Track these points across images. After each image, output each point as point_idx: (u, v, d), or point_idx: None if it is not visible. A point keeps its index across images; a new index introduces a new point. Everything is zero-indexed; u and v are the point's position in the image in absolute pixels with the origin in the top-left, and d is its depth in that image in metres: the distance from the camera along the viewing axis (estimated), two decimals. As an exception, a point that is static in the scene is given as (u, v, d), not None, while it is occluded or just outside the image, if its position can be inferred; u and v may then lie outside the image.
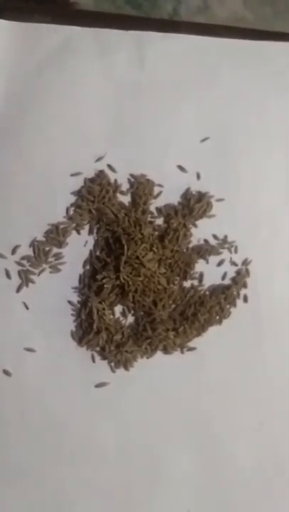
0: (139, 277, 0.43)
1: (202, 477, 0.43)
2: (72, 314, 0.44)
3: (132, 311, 0.44)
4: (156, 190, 0.46)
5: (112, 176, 0.46)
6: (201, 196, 0.46)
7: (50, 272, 0.44)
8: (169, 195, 0.46)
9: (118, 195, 0.46)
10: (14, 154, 0.45)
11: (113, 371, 0.43)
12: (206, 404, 0.43)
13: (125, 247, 0.43)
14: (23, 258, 0.44)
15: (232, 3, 0.58)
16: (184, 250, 0.45)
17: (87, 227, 0.45)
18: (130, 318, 0.45)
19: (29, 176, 0.45)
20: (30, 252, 0.45)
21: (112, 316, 0.44)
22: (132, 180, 0.46)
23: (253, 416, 0.43)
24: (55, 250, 0.45)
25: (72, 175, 0.45)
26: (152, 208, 0.46)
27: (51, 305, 0.44)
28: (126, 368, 0.43)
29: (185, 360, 0.44)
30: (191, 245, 0.45)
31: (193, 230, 0.45)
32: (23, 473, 0.42)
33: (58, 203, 0.45)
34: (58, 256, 0.45)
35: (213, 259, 0.45)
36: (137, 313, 0.44)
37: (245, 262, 0.45)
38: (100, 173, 0.45)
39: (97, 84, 0.46)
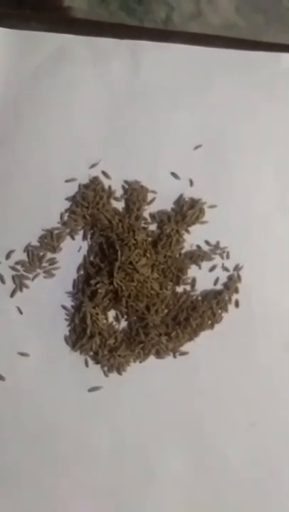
0: (132, 282, 0.44)
1: (195, 478, 0.43)
2: (65, 319, 0.44)
3: (125, 316, 0.45)
4: (149, 196, 0.46)
5: (106, 182, 0.46)
6: (194, 203, 0.46)
7: (44, 277, 0.45)
8: (162, 201, 0.46)
9: (112, 201, 0.46)
10: (9, 160, 0.45)
11: (106, 375, 0.44)
12: (198, 408, 0.44)
13: (119, 252, 0.43)
14: (17, 263, 0.45)
15: (225, 10, 0.59)
16: (177, 256, 0.46)
17: (81, 232, 0.46)
18: (123, 323, 0.45)
19: (24, 182, 0.45)
20: (24, 257, 0.45)
21: (105, 321, 0.44)
22: (126, 186, 0.46)
23: (244, 418, 0.44)
24: (49, 255, 0.45)
25: (66, 181, 0.46)
26: (146, 214, 0.46)
27: (45, 310, 0.44)
28: (119, 372, 0.44)
29: (177, 365, 0.44)
30: (183, 251, 0.46)
31: (186, 235, 0.46)
32: (16, 476, 0.42)
33: (52, 208, 0.45)
34: (52, 261, 0.45)
35: (206, 264, 0.46)
36: (130, 318, 0.45)
37: (237, 268, 0.46)
38: (94, 180, 0.46)
39: (91, 91, 0.46)
